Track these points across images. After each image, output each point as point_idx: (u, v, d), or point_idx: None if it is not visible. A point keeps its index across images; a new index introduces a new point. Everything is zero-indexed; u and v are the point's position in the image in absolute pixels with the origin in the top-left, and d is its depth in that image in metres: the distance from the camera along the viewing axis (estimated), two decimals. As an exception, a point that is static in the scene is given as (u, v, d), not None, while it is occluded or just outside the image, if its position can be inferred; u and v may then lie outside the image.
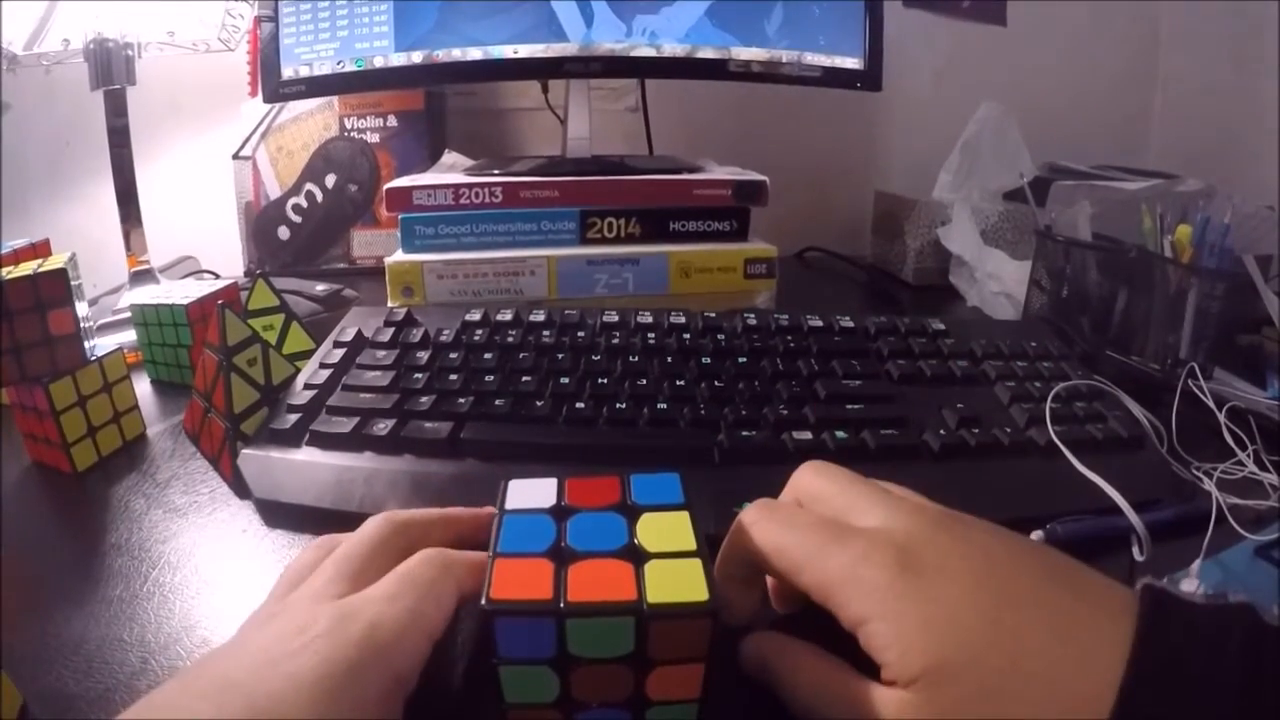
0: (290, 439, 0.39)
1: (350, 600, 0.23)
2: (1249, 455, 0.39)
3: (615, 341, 0.46)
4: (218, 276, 0.78)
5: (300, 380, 0.43)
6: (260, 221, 0.87)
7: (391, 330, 0.48)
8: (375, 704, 0.21)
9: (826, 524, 0.24)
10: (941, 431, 0.39)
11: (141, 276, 0.68)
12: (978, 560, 0.22)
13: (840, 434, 0.38)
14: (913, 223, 0.81)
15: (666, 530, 0.24)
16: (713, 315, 0.49)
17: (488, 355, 0.45)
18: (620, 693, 0.22)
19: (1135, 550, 0.33)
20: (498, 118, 0.96)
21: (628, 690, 0.22)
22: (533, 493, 0.26)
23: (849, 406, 0.41)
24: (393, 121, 0.87)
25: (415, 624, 0.22)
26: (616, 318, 0.48)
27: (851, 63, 0.70)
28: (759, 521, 0.25)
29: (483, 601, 0.21)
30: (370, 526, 0.27)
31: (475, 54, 0.65)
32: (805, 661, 0.24)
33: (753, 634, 0.26)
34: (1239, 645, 0.18)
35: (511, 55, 0.65)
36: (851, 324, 0.48)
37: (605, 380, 0.42)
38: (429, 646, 0.23)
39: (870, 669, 0.22)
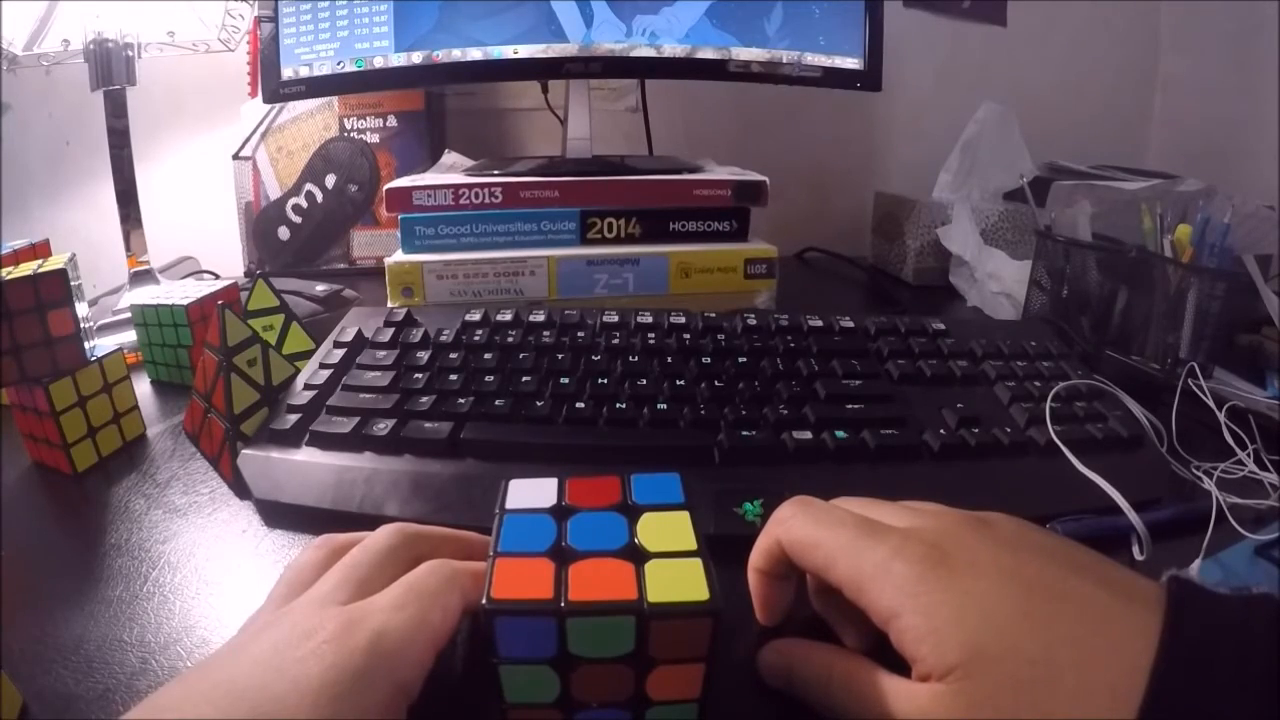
0: (290, 439, 0.39)
1: (357, 607, 0.23)
2: (1249, 455, 0.39)
3: (615, 342, 0.46)
4: (218, 277, 0.78)
5: (300, 380, 0.43)
6: (260, 222, 0.87)
7: (391, 330, 0.48)
8: (379, 711, 0.21)
9: (860, 521, 0.24)
10: (941, 431, 0.39)
11: (141, 277, 0.68)
12: (1006, 555, 0.22)
13: (840, 434, 0.38)
14: (913, 223, 0.81)
15: (667, 530, 0.24)
16: (713, 315, 0.49)
17: (488, 355, 0.45)
18: (621, 692, 0.22)
19: (1135, 550, 0.33)
20: (498, 118, 0.96)
21: (628, 690, 0.22)
22: (533, 493, 0.26)
23: (849, 406, 0.41)
24: (393, 121, 0.87)
25: (421, 633, 0.22)
26: (616, 318, 0.48)
27: (851, 63, 0.70)
28: (794, 517, 0.25)
29: (483, 601, 0.21)
30: (380, 536, 0.27)
31: (475, 54, 0.65)
32: (836, 663, 0.24)
33: (772, 642, 0.26)
34: (1265, 633, 0.19)
35: (511, 55, 0.65)
36: (851, 324, 0.49)
37: (605, 380, 0.42)
38: (434, 656, 0.23)
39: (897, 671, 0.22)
